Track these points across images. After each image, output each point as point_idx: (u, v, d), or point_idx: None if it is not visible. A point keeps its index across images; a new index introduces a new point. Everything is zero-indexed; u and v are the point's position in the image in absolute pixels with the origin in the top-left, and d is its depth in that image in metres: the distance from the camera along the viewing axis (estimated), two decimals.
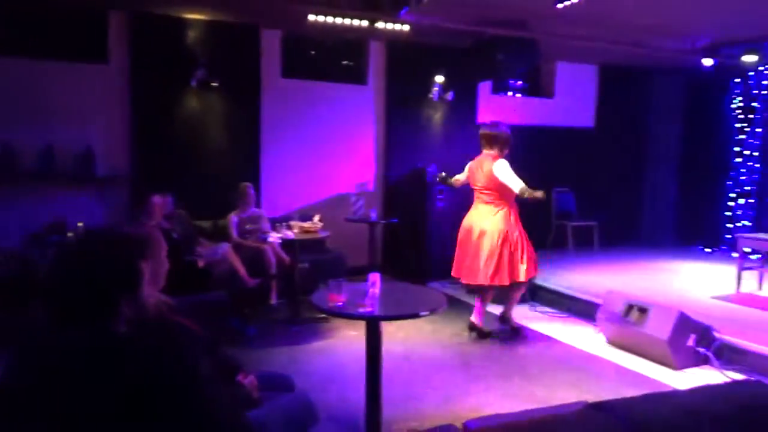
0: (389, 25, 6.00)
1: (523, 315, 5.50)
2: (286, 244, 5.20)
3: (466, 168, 5.07)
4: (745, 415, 1.46)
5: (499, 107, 7.93)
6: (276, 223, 5.39)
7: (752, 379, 3.63)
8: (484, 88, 7.71)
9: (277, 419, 2.10)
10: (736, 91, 7.85)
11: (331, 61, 7.21)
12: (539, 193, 4.37)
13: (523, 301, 5.86)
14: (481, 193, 4.89)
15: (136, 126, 5.99)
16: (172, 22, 6.00)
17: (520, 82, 7.40)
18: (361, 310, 2.72)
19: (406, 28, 6.07)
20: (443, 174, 5.30)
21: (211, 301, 4.30)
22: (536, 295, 5.95)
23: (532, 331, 5.04)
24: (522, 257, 4.65)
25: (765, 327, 4.46)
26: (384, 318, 2.86)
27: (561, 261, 7.20)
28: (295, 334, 4.83)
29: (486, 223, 4.73)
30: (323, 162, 7.09)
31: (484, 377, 3.92)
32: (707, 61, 6.98)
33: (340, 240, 6.28)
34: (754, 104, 7.64)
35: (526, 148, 8.11)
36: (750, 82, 7.65)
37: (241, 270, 5.02)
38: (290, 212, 6.24)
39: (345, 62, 7.30)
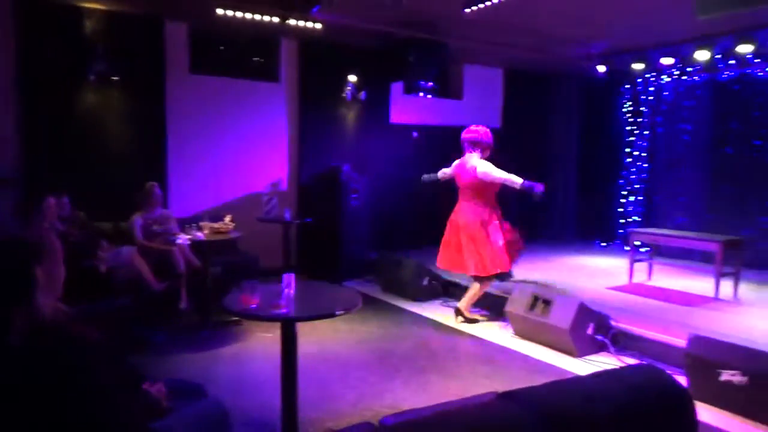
0: (301, 23, 5.94)
1: (436, 310, 5.64)
2: (196, 245, 5.01)
3: (453, 165, 5.41)
4: (638, 396, 1.58)
5: (411, 107, 8.08)
6: (185, 224, 5.17)
7: (644, 362, 3.93)
8: (397, 88, 7.82)
9: (188, 428, 2.02)
10: (626, 96, 8.45)
11: (242, 57, 7.02)
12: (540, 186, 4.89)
13: (435, 296, 6.03)
14: (464, 191, 5.27)
15: (25, 123, 5.55)
16: (68, 10, 5.62)
17: (430, 84, 7.59)
18: (275, 311, 2.68)
19: (319, 26, 6.04)
20: (426, 176, 5.79)
21: (114, 307, 4.07)
22: (448, 290, 6.12)
23: (445, 325, 5.17)
24: (489, 253, 4.99)
25: (655, 314, 4.84)
26: (299, 319, 2.83)
27: None
28: (207, 339, 4.67)
29: (465, 218, 5.17)
30: (235, 160, 6.91)
31: (400, 374, 3.98)
32: (601, 68, 7.48)
33: (253, 241, 6.14)
34: (642, 108, 8.28)
35: (438, 148, 8.30)
36: (638, 88, 8.27)
37: (148, 274, 4.79)
38: (200, 212, 6.02)
39: (257, 59, 7.14)
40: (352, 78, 7.45)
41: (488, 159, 5.21)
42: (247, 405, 3.42)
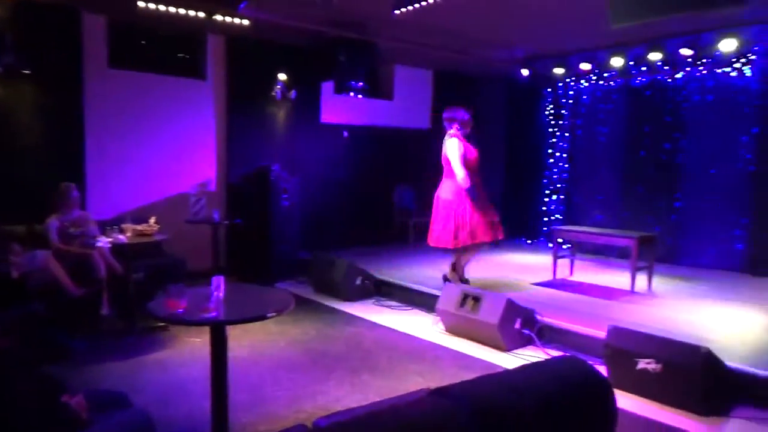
0: (228, 19, 5.80)
1: (369, 310, 5.67)
2: (118, 248, 4.79)
3: None
4: (563, 387, 1.65)
5: (341, 107, 8.07)
6: (106, 226, 4.93)
7: (568, 354, 4.11)
8: (327, 87, 7.79)
9: None
10: (548, 100, 8.81)
11: (165, 52, 6.77)
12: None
13: (368, 296, 6.05)
14: (444, 167, 5.57)
15: None
16: None
17: (361, 83, 7.61)
18: (204, 315, 2.60)
19: (246, 23, 5.92)
20: None
21: (27, 314, 3.82)
22: (380, 290, 6.16)
23: (378, 324, 5.20)
24: (467, 224, 5.33)
25: (577, 308, 5.08)
26: (229, 322, 2.76)
27: (403, 256, 7.53)
28: (131, 346, 4.48)
29: (442, 193, 5.54)
30: (160, 160, 6.66)
31: (333, 374, 3.97)
32: (524, 72, 7.76)
33: (180, 243, 5.94)
34: (563, 111, 8.65)
35: (369, 148, 8.38)
36: (559, 92, 8.64)
37: (64, 279, 4.53)
38: (122, 214, 5.76)
39: (182, 55, 6.91)
40: (282, 76, 7.35)
41: (467, 135, 5.56)
42: (174, 413, 3.31)
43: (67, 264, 4.68)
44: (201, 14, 5.65)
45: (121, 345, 4.51)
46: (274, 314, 2.73)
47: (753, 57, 6.21)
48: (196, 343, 4.47)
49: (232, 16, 5.80)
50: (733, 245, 6.88)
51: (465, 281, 5.63)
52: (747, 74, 6.63)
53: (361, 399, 3.52)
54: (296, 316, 5.21)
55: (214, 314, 2.61)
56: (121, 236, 4.75)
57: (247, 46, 7.00)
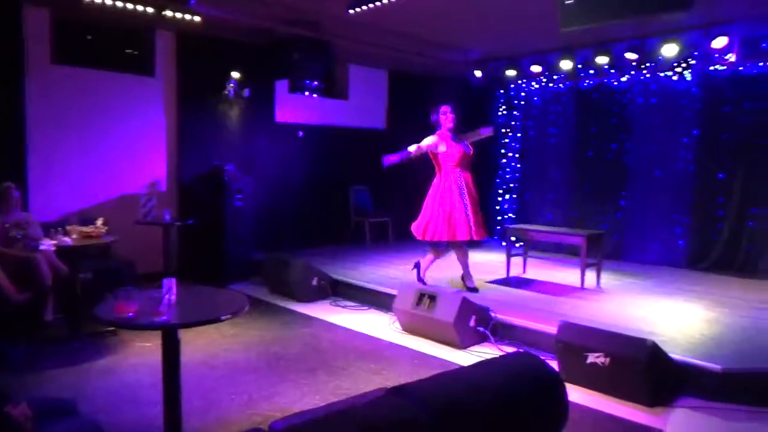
0: (178, 15, 5.67)
1: (325, 310, 5.64)
2: (63, 251, 4.61)
3: None
4: (516, 382, 1.69)
5: (296, 106, 8.01)
6: (50, 228, 4.74)
7: (521, 350, 4.20)
8: (282, 87, 7.71)
9: None
10: (501, 101, 8.97)
11: (112, 48, 6.55)
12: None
13: (324, 296, 6.03)
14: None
15: None
16: None
17: (316, 83, 7.57)
18: (155, 318, 2.54)
19: (198, 19, 5.80)
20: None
21: None
22: (337, 290, 6.14)
23: (335, 325, 5.19)
24: (421, 220, 5.53)
25: (529, 305, 5.19)
26: (182, 325, 2.70)
27: (360, 255, 7.54)
28: (78, 352, 4.32)
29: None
30: (107, 159, 6.45)
31: (289, 375, 3.93)
32: (478, 73, 7.88)
33: (130, 245, 5.77)
34: (515, 112, 8.83)
35: (325, 148, 8.34)
36: (511, 93, 8.81)
37: (5, 283, 4.33)
38: (67, 215, 5.57)
39: (129, 51, 6.71)
40: (235, 75, 7.24)
41: (455, 133, 5.62)
42: (124, 421, 3.21)
43: (9, 268, 4.46)
44: (150, 9, 5.50)
45: (67, 351, 4.35)
46: (228, 316, 2.68)
47: (693, 62, 6.50)
48: (148, 348, 4.35)
49: (183, 12, 5.67)
50: (676, 242, 7.19)
51: (421, 281, 5.69)
52: (687, 78, 6.93)
53: (319, 400, 3.51)
54: (251, 318, 5.14)
55: (165, 318, 2.56)
56: (66, 238, 4.58)
57: (198, 43, 6.86)
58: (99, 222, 5.01)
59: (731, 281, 6.33)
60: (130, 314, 2.55)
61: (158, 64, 6.80)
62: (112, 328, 4.54)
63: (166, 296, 2.66)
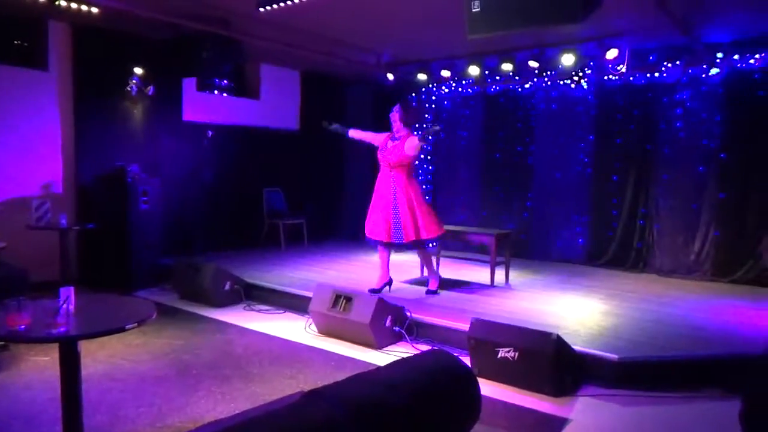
0: (73, 5, 5.31)
1: (239, 315, 5.50)
2: None
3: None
4: (431, 379, 1.73)
5: (206, 105, 7.75)
6: None
7: (435, 348, 4.30)
8: (190, 85, 7.43)
9: None
10: (413, 104, 9.13)
11: None
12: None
13: (238, 301, 5.87)
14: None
15: None
16: None
17: (225, 81, 7.35)
18: (51, 330, 2.37)
19: (95, 10, 5.47)
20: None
21: None
22: (251, 294, 6.00)
23: (249, 330, 5.06)
24: (399, 220, 5.41)
25: (442, 303, 5.33)
26: (81, 337, 2.54)
27: (274, 258, 7.42)
28: None
29: None
30: None
31: (202, 384, 3.79)
32: (390, 76, 7.99)
33: (22, 252, 5.35)
34: (426, 116, 9.03)
35: (237, 148, 8.14)
36: (423, 96, 9.01)
37: None
38: None
39: (18, 42, 6.21)
40: (138, 71, 6.89)
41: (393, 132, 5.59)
42: None
43: None
44: None
45: None
46: (133, 325, 2.55)
47: (589, 71, 6.95)
48: (45, 362, 4.04)
49: (78, 3, 5.32)
50: (576, 240, 7.65)
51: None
52: (584, 87, 7.39)
53: (234, 408, 3.41)
54: (160, 326, 4.92)
55: (62, 329, 2.39)
56: None
57: (97, 36, 6.47)
58: None
59: (625, 276, 6.83)
60: (22, 327, 2.37)
61: (52, 57, 6.34)
62: (3, 343, 4.17)
63: (63, 306, 2.48)
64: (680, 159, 6.77)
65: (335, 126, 5.89)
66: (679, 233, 6.79)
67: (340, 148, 9.64)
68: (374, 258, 7.74)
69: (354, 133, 5.91)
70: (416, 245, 5.52)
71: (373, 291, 5.43)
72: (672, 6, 4.98)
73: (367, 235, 5.66)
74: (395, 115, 5.50)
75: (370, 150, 5.98)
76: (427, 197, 9.06)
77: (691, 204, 6.69)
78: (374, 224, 5.55)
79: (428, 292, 5.67)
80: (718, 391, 3.69)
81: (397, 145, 5.44)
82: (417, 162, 9.11)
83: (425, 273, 6.00)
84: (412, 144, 5.36)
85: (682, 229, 6.77)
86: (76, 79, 6.52)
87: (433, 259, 5.95)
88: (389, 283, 5.72)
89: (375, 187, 5.66)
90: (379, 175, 5.64)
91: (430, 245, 5.72)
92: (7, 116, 6.02)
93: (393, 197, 5.44)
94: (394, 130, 5.53)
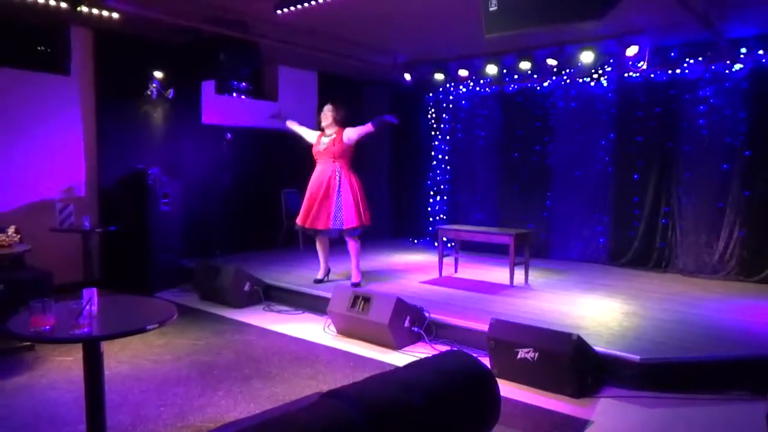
0: (95, 11, 5.39)
1: (258, 316, 5.54)
2: None
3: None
4: (450, 381, 1.72)
5: (224, 108, 7.82)
6: None
7: (454, 348, 4.28)
8: (209, 87, 7.51)
9: None
10: (430, 104, 9.13)
11: (21, 44, 6.16)
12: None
13: (257, 302, 5.91)
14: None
15: None
16: None
17: (244, 84, 7.41)
18: (74, 331, 2.40)
19: (116, 16, 5.54)
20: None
21: None
22: (270, 295, 6.04)
23: (269, 330, 5.10)
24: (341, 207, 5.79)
25: (462, 304, 5.30)
26: (104, 337, 2.58)
27: (293, 259, 7.45)
28: None
29: None
30: (18, 163, 6.05)
31: (222, 385, 3.83)
32: (407, 76, 7.98)
33: (46, 254, 5.45)
34: (444, 115, 9.01)
35: (255, 150, 8.20)
36: (440, 96, 8.98)
37: None
38: None
39: (42, 48, 6.33)
40: (158, 75, 6.98)
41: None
42: None
43: None
44: (63, 5, 5.20)
45: None
46: (155, 326, 2.58)
47: (609, 69, 6.86)
48: (69, 363, 4.11)
49: (100, 9, 5.40)
50: (597, 239, 7.55)
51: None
52: (604, 84, 7.31)
53: (253, 408, 3.43)
54: (181, 327, 4.97)
55: (86, 330, 2.43)
56: None
57: (118, 40, 6.57)
58: (10, 230, 4.70)
59: (647, 276, 6.73)
60: (47, 327, 2.41)
61: (74, 62, 6.45)
62: (28, 343, 4.26)
63: (87, 307, 2.52)
64: (703, 157, 6.65)
65: (275, 112, 6.49)
66: (702, 232, 6.67)
67: (359, 149, 9.63)
68: (391, 257, 7.75)
69: (291, 125, 6.36)
70: (358, 231, 5.85)
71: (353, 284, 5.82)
72: (693, 1, 4.90)
73: (307, 226, 5.93)
74: (329, 114, 5.99)
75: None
76: (444, 197, 9.04)
77: (716, 203, 6.57)
78: (316, 215, 5.86)
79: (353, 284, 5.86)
80: (743, 392, 3.61)
81: (333, 140, 5.92)
82: (434, 162, 9.15)
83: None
84: (348, 134, 5.91)
85: (705, 228, 6.65)
86: (98, 84, 6.62)
87: (353, 257, 6.07)
88: (328, 272, 6.19)
89: (312, 179, 6.00)
90: (317, 169, 6.02)
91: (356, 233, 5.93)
92: (30, 121, 6.14)
93: (337, 185, 5.83)
94: (324, 126, 6.04)
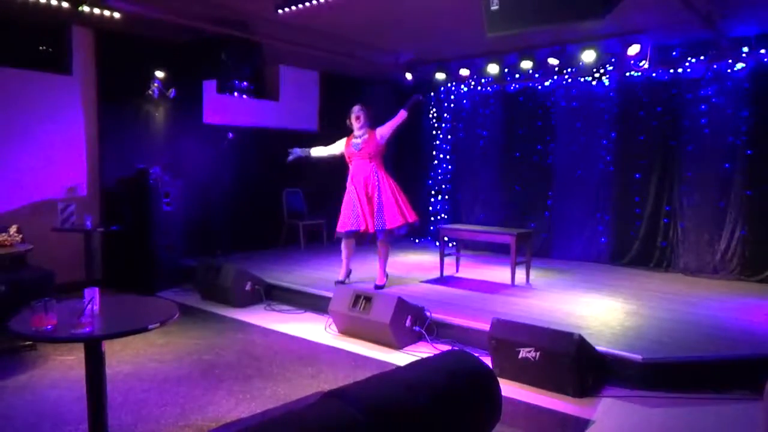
0: (96, 10, 5.39)
1: (260, 315, 5.54)
2: None
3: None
4: (451, 380, 1.72)
5: (226, 107, 7.82)
6: None
7: (456, 348, 4.28)
8: (210, 87, 7.51)
9: None
10: (431, 103, 9.13)
11: (23, 44, 6.17)
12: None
13: (258, 301, 5.91)
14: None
15: None
16: None
17: (245, 84, 7.41)
18: (76, 330, 2.41)
19: (117, 15, 5.55)
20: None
21: None
22: (271, 294, 6.04)
23: (270, 330, 5.10)
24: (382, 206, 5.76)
25: (463, 303, 5.30)
26: (106, 337, 2.58)
27: (294, 259, 7.45)
28: None
29: None
30: (19, 162, 6.06)
31: (223, 384, 3.83)
32: (408, 76, 7.98)
33: (48, 253, 5.46)
34: (445, 115, 9.01)
35: (256, 150, 8.20)
36: (441, 96, 8.98)
37: None
38: None
39: (43, 47, 6.33)
40: (160, 74, 6.98)
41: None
42: None
43: None
44: (65, 4, 5.20)
45: None
46: (156, 325, 2.58)
47: (610, 68, 6.86)
48: (71, 362, 4.12)
49: (101, 8, 5.40)
50: (599, 239, 7.54)
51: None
52: (606, 83, 7.30)
53: (255, 407, 3.43)
54: (182, 326, 4.97)
55: (88, 329, 2.43)
56: None
57: (119, 40, 6.57)
58: (12, 230, 4.71)
59: (649, 275, 6.73)
60: (49, 327, 2.41)
61: (76, 61, 6.45)
62: (30, 342, 4.27)
63: (89, 306, 2.53)
64: (705, 156, 6.64)
65: (296, 151, 6.22)
66: (704, 231, 6.66)
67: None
68: (392, 257, 7.74)
69: (317, 152, 6.26)
70: (402, 229, 5.80)
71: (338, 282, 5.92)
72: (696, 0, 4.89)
73: (349, 228, 5.79)
74: (361, 113, 5.89)
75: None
76: (446, 197, 9.03)
77: (717, 202, 6.56)
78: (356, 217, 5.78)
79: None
80: (745, 392, 3.61)
81: (367, 140, 5.85)
82: (435, 162, 9.14)
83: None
84: (381, 132, 5.87)
85: (707, 227, 6.64)
86: (100, 83, 6.62)
87: (382, 257, 5.95)
88: (349, 273, 6.13)
89: (350, 182, 5.90)
90: (353, 171, 5.92)
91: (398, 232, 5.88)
92: (32, 120, 6.15)
93: (377, 185, 5.79)
94: (357, 128, 5.90)
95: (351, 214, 5.77)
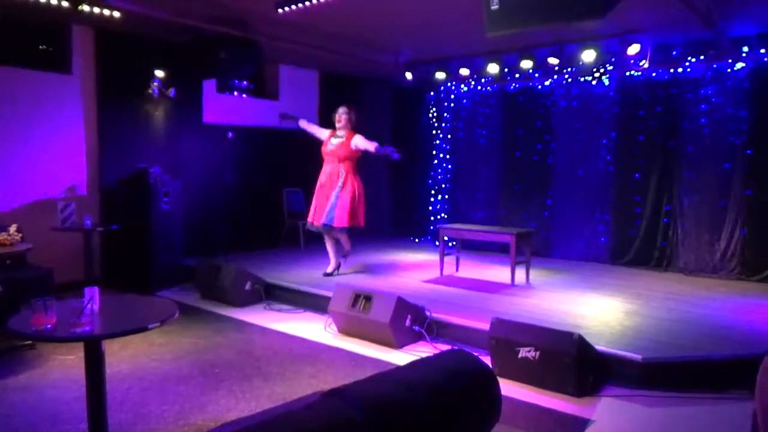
0: (96, 10, 5.39)
1: (259, 315, 5.54)
2: None
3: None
4: (452, 380, 1.71)
5: (225, 107, 7.82)
6: None
7: (455, 347, 4.28)
8: (210, 86, 7.50)
9: None
10: (431, 102, 9.12)
11: (23, 43, 6.17)
12: None
13: (258, 301, 5.92)
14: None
15: None
16: None
17: (245, 83, 7.41)
18: (76, 330, 2.41)
19: (117, 14, 5.54)
20: None
21: None
22: (271, 294, 6.04)
23: (270, 329, 5.10)
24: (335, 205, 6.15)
25: (463, 303, 5.30)
26: (105, 336, 2.58)
27: (294, 258, 7.46)
28: None
29: None
30: (19, 161, 6.06)
31: (223, 384, 3.83)
32: (408, 75, 7.97)
33: (48, 253, 5.45)
34: (445, 114, 9.00)
35: (256, 149, 8.20)
36: (441, 95, 8.98)
37: None
38: None
39: (43, 47, 6.33)
40: (160, 73, 6.98)
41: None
42: None
43: None
44: (65, 3, 5.20)
45: None
46: (156, 325, 2.58)
47: (610, 67, 6.85)
48: (71, 361, 4.12)
49: (101, 7, 5.40)
50: (599, 239, 7.54)
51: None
52: (605, 83, 7.30)
53: (254, 407, 3.43)
54: (182, 326, 4.97)
55: (87, 328, 2.43)
56: None
57: (119, 39, 6.57)
58: (12, 229, 4.71)
59: (649, 275, 6.73)
60: (49, 326, 2.41)
61: (75, 61, 6.45)
62: (29, 342, 4.26)
63: (88, 306, 2.52)
64: (705, 155, 6.64)
65: (284, 113, 6.83)
66: (704, 231, 6.66)
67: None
68: (392, 256, 7.75)
69: (303, 124, 6.66)
70: (346, 230, 6.17)
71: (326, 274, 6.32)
72: None
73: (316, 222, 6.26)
74: (343, 116, 6.22)
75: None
76: (445, 196, 9.03)
77: (717, 201, 6.56)
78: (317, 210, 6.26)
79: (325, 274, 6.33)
80: (744, 392, 3.61)
81: (342, 144, 6.15)
82: (435, 161, 9.13)
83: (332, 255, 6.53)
84: (356, 142, 6.13)
85: (707, 227, 6.64)
86: (99, 82, 6.62)
87: (343, 244, 6.41)
88: (338, 266, 6.50)
89: (319, 179, 6.31)
90: (324, 169, 6.31)
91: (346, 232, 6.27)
92: (32, 119, 6.14)
93: (339, 185, 6.11)
94: (338, 128, 6.25)
95: (314, 209, 6.30)
